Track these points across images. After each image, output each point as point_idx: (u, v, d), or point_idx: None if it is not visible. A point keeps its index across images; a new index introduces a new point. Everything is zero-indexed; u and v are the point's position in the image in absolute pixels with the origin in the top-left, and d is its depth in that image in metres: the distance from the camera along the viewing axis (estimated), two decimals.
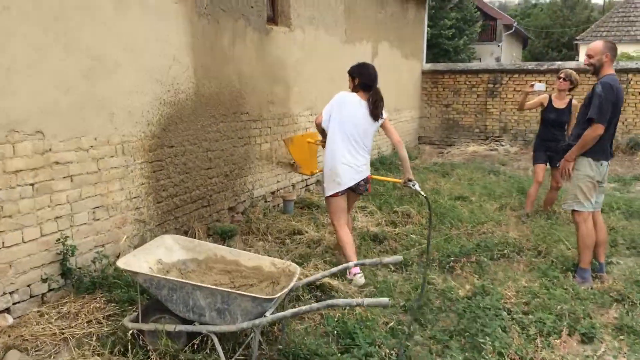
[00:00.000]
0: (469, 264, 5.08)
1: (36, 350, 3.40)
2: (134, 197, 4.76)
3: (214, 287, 3.13)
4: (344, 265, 3.64)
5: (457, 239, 5.81)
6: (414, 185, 4.70)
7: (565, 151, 6.89)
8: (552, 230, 6.09)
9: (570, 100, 6.74)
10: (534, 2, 58.13)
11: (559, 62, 13.65)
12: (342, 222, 4.77)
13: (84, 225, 4.26)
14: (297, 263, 4.94)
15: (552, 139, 6.75)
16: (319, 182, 8.48)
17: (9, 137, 3.63)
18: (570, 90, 6.75)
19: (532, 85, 6.76)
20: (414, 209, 6.85)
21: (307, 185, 8.12)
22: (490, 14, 31.91)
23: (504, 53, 32.71)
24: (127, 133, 4.62)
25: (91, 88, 4.22)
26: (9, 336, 3.50)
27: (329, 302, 2.98)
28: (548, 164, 6.93)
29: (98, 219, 4.39)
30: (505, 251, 5.43)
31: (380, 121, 4.73)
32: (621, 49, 24.45)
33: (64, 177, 4.05)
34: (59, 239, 4.00)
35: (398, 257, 3.58)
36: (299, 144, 5.60)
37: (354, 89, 4.72)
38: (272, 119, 6.92)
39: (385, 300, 2.81)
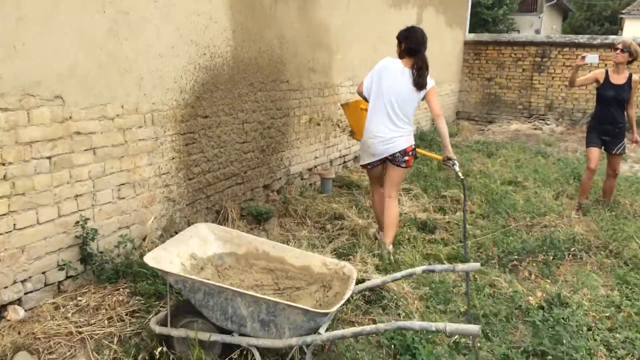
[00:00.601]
0: (534, 264, 4.49)
1: (49, 353, 2.94)
2: (164, 173, 4.24)
3: (259, 295, 2.60)
4: (409, 271, 3.08)
5: (516, 232, 5.21)
6: (453, 165, 4.33)
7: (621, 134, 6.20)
8: (620, 225, 5.45)
9: (630, 76, 5.95)
10: None
11: (613, 36, 12.69)
12: (376, 185, 4.76)
13: (108, 205, 3.76)
14: (342, 255, 4.43)
15: (609, 120, 6.01)
16: (357, 159, 7.89)
17: (23, 102, 3.11)
18: (629, 63, 5.97)
19: (583, 57, 5.92)
20: (461, 194, 6.24)
21: (345, 162, 7.54)
22: None
23: (544, 25, 31.25)
24: (157, 101, 4.08)
25: (117, 47, 3.66)
26: (19, 333, 3.04)
27: (401, 324, 2.43)
28: (603, 147, 6.20)
29: (123, 198, 3.89)
30: (573, 249, 4.83)
31: (424, 91, 4.39)
32: None
33: (86, 150, 3.54)
34: (78, 221, 3.51)
35: (475, 265, 3.01)
36: (354, 110, 5.25)
37: (400, 55, 4.44)
38: (312, 89, 6.31)
39: (474, 328, 2.25)
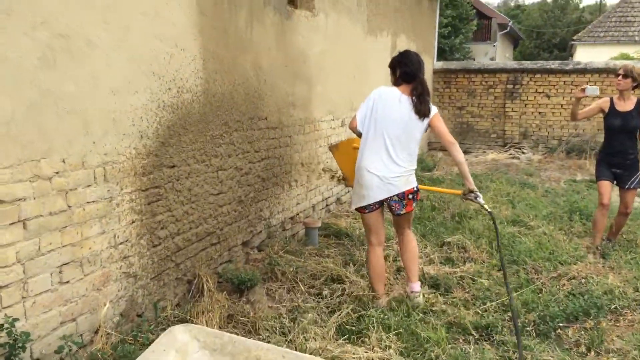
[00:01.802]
0: (583, 331, 3.71)
1: None
2: (121, 243, 3.28)
3: None
4: None
5: (544, 288, 4.44)
6: (476, 198, 3.85)
7: (634, 166, 5.64)
8: None
9: (639, 101, 5.40)
10: (512, 3, 57.40)
11: (586, 62, 12.45)
12: (374, 240, 4.05)
13: (45, 294, 2.77)
14: (351, 333, 3.53)
15: (619, 151, 5.43)
16: (340, 200, 7.06)
17: None
18: (634, 88, 5.43)
19: (583, 89, 5.32)
20: (468, 240, 5.47)
21: (327, 205, 6.69)
22: (485, 13, 30.75)
23: (498, 53, 31.63)
24: (110, 150, 3.15)
25: (53, 81, 2.74)
26: None
27: None
28: (615, 182, 5.59)
29: (67, 282, 2.90)
30: (614, 306, 4.09)
31: (427, 119, 3.88)
32: (619, 49, 23.64)
33: (12, 224, 2.57)
34: (2, 324, 2.51)
35: None
36: (344, 151, 4.59)
37: (395, 83, 3.97)
38: (292, 126, 5.47)
39: None
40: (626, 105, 5.38)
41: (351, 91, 7.16)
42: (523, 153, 12.47)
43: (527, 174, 10.27)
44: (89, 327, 3.08)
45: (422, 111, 3.80)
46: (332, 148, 4.76)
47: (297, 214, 5.79)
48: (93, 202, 3.04)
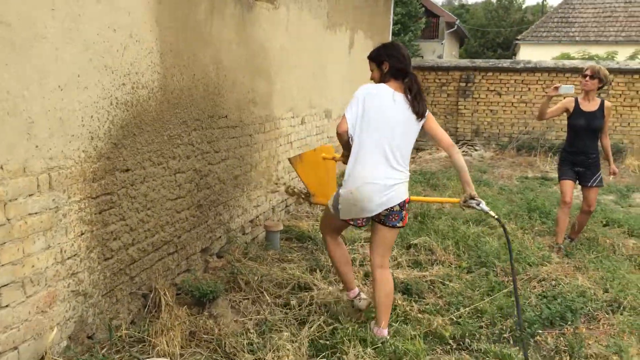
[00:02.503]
0: (562, 337, 3.61)
1: None
2: (69, 258, 2.92)
3: None
4: None
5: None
6: (479, 205, 3.33)
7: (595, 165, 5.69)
8: (619, 271, 4.78)
9: (603, 102, 5.44)
10: (456, 3, 58.56)
11: (536, 60, 12.66)
12: (333, 235, 3.72)
13: None
14: (325, 348, 3.30)
15: (582, 151, 5.47)
16: (300, 201, 6.79)
17: None
18: (599, 89, 5.47)
19: (556, 88, 5.30)
20: (434, 242, 5.34)
21: (287, 206, 6.42)
22: (433, 11, 31.10)
23: (445, 51, 32.09)
24: (56, 154, 2.78)
25: None
26: None
27: None
28: (577, 181, 5.62)
29: (6, 306, 2.53)
30: (588, 308, 4.04)
31: (423, 120, 3.44)
32: (560, 49, 24.36)
33: None
34: None
35: None
36: (311, 163, 4.06)
37: (382, 79, 3.46)
38: (252, 124, 5.18)
39: None
40: (591, 106, 5.40)
41: (311, 88, 6.91)
42: (475, 150, 12.58)
43: (481, 171, 10.33)
44: (33, 354, 2.71)
45: (419, 111, 3.37)
46: (294, 160, 4.07)
47: (257, 217, 5.50)
48: (36, 213, 2.67)
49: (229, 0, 4.50)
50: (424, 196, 7.29)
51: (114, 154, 3.22)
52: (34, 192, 2.64)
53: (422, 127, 3.45)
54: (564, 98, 5.67)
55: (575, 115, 5.46)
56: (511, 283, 4.47)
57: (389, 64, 3.41)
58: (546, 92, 5.52)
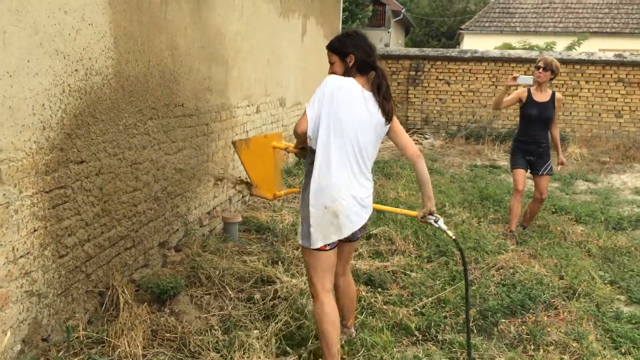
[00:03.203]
0: (524, 326, 3.68)
1: None
2: (21, 256, 2.72)
3: None
4: None
5: (476, 280, 4.41)
6: (437, 222, 3.06)
7: (546, 154, 5.87)
8: (571, 258, 4.94)
9: (554, 94, 5.63)
10: None
11: (482, 50, 12.92)
12: (327, 285, 2.96)
13: None
14: (293, 345, 3.24)
15: (533, 140, 5.64)
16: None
17: None
18: (550, 80, 5.64)
19: (514, 78, 5.42)
20: (394, 232, 5.35)
21: (243, 197, 6.29)
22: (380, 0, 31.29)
23: (392, 40, 32.38)
24: (6, 145, 2.57)
25: None
26: None
27: None
28: (529, 169, 5.78)
29: None
30: (544, 296, 4.14)
31: (390, 123, 2.98)
32: (502, 39, 25.00)
33: None
34: None
35: None
36: (258, 151, 3.60)
37: (347, 74, 2.92)
38: (209, 113, 5.01)
39: None
40: (543, 97, 5.55)
41: (266, 75, 6.77)
42: (425, 139, 12.75)
43: (432, 159, 10.48)
44: None
45: (389, 112, 2.92)
46: (239, 145, 3.56)
47: (214, 208, 5.36)
48: None
49: None
50: (380, 186, 7.32)
51: (68, 144, 3.02)
52: None
53: (387, 131, 3.00)
54: (517, 88, 5.79)
55: (528, 105, 5.60)
56: (471, 272, 4.55)
57: (355, 56, 2.90)
58: (504, 82, 5.59)
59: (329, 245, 2.89)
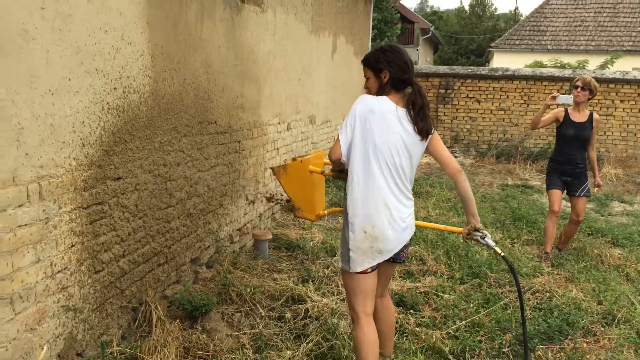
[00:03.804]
0: (562, 352, 3.57)
1: None
2: (59, 271, 2.75)
3: None
4: None
5: (511, 303, 4.30)
6: (483, 238, 2.93)
7: (583, 175, 5.75)
8: (610, 282, 4.79)
9: (592, 114, 5.52)
10: (428, 10, 59.30)
11: (514, 68, 12.79)
12: (368, 309, 2.89)
13: None
14: None
15: (570, 161, 5.51)
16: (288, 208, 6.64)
17: None
18: (588, 99, 5.53)
19: (554, 97, 5.36)
20: (425, 251, 5.28)
21: (273, 214, 6.29)
22: (409, 17, 31.37)
23: (420, 57, 32.37)
24: (47, 162, 2.62)
25: None
26: None
27: None
28: (565, 191, 5.65)
29: None
30: (583, 322, 4.01)
31: (427, 140, 2.89)
32: (533, 57, 24.76)
33: None
34: None
35: None
36: (296, 175, 3.52)
37: (381, 91, 2.87)
38: (241, 130, 5.04)
39: None
40: (580, 117, 5.45)
41: (297, 93, 6.81)
42: (455, 157, 12.62)
43: None
44: None
45: (424, 130, 2.83)
46: (277, 171, 3.52)
47: (245, 225, 5.37)
48: (26, 225, 2.50)
49: (218, 3, 4.38)
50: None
51: (105, 161, 3.06)
52: (23, 202, 2.47)
53: (426, 148, 2.93)
54: (556, 107, 5.71)
55: (565, 125, 5.50)
56: (506, 295, 4.45)
57: (390, 72, 2.83)
58: (545, 102, 5.51)
59: (370, 267, 2.83)
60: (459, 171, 2.90)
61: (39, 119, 2.54)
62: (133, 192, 3.35)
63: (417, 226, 3.08)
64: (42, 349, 2.60)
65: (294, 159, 3.43)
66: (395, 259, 2.98)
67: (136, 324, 3.44)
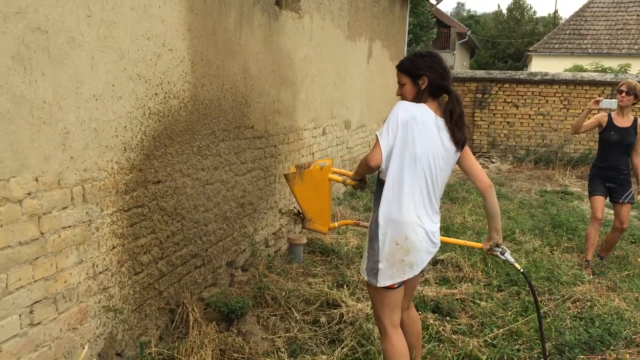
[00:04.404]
0: None
1: None
2: (100, 272, 2.82)
3: None
4: None
5: (550, 312, 4.21)
6: (503, 254, 2.95)
7: (627, 182, 5.59)
8: None
9: (636, 120, 5.34)
10: (465, 14, 58.63)
11: (553, 72, 12.54)
12: (395, 321, 2.81)
13: (12, 341, 2.30)
14: None
15: (613, 166, 5.36)
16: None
17: None
18: (633, 104, 5.37)
19: (597, 101, 5.23)
20: (461, 257, 5.21)
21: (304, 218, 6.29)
22: (445, 22, 31.10)
23: (456, 62, 32.03)
24: (91, 165, 2.69)
25: (28, 85, 2.28)
26: None
27: None
28: (608, 197, 5.49)
29: (38, 323, 2.43)
30: (625, 332, 3.89)
31: (460, 151, 2.79)
32: (573, 61, 24.20)
33: None
34: None
35: None
36: (312, 183, 3.24)
37: (418, 98, 2.75)
38: (277, 135, 5.08)
39: None
40: (624, 122, 5.31)
41: (332, 98, 6.83)
42: (492, 162, 12.45)
43: (499, 184, 10.18)
44: None
45: (461, 140, 2.73)
46: (292, 177, 3.25)
47: (280, 229, 5.40)
48: (70, 226, 2.57)
49: (256, 9, 4.43)
50: (447, 210, 7.17)
51: (146, 165, 3.13)
52: (67, 204, 2.54)
53: (458, 160, 2.81)
54: (598, 112, 5.57)
55: (608, 130, 5.36)
56: (545, 304, 4.35)
57: (429, 79, 2.71)
58: (588, 106, 5.39)
59: (397, 283, 2.73)
60: (490, 186, 2.82)
61: (84, 124, 2.61)
62: (172, 196, 3.41)
63: (443, 242, 3.04)
64: (83, 348, 2.67)
65: (298, 167, 3.33)
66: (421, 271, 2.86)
67: (173, 325, 3.50)
